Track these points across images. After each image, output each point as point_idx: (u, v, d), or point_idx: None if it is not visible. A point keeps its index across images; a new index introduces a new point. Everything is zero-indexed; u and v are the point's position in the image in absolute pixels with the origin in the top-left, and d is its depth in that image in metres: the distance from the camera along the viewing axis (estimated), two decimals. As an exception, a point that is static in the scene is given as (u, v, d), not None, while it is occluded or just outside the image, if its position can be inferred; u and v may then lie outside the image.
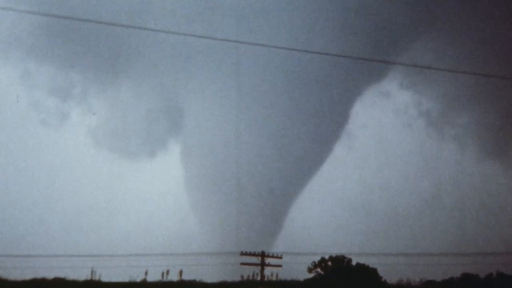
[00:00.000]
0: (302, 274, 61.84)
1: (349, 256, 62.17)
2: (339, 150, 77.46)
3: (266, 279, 57.67)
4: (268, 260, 56.82)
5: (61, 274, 62.22)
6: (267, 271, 57.54)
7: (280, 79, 73.44)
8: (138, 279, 62.49)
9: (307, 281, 61.61)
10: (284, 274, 60.86)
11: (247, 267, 57.08)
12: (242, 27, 71.37)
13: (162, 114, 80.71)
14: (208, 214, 70.62)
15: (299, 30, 72.17)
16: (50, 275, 62.21)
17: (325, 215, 76.79)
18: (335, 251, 62.29)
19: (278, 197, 71.55)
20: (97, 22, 58.64)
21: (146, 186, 78.92)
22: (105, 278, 62.23)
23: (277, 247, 66.31)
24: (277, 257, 56.99)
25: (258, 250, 56.80)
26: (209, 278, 62.74)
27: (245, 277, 60.49)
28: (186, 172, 74.22)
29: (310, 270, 61.81)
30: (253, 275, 58.86)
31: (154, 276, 62.24)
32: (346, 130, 78.11)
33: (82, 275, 61.97)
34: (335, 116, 75.33)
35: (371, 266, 61.12)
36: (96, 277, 62.08)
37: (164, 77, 78.25)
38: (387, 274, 61.66)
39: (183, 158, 75.80)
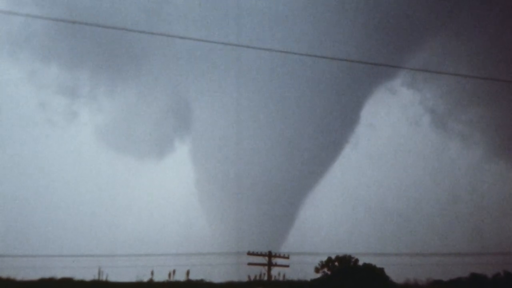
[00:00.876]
0: (310, 274, 61.92)
1: (356, 256, 62.16)
2: (347, 151, 77.40)
3: (273, 279, 57.62)
4: (275, 260, 56.70)
5: (68, 274, 62.43)
6: (274, 271, 57.54)
7: (289, 80, 73.46)
8: (145, 279, 62.56)
9: (314, 281, 61.57)
10: (292, 274, 60.91)
11: (254, 267, 57.03)
12: (254, 31, 71.51)
13: (171, 114, 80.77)
14: (216, 214, 70.64)
15: (311, 34, 72.12)
16: (57, 275, 62.46)
17: (332, 216, 76.73)
18: (342, 251, 62.33)
19: (287, 198, 71.49)
20: (105, 27, 58.77)
21: (154, 186, 79.08)
22: (112, 278, 62.37)
23: (286, 247, 66.34)
24: (284, 257, 56.89)
25: (267, 250, 56.72)
26: (216, 278, 62.83)
27: (252, 277, 60.48)
28: (196, 172, 74.32)
29: (317, 270, 61.82)
30: (260, 275, 58.85)
31: (161, 276, 62.36)
32: (355, 131, 77.98)
33: (89, 275, 62.15)
34: (345, 117, 75.31)
35: (378, 266, 61.05)
36: (103, 277, 62.19)
37: (173, 78, 78.34)
38: (394, 274, 61.62)
39: (192, 158, 75.88)
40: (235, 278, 62.28)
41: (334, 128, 74.64)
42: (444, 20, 79.28)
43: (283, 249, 60.31)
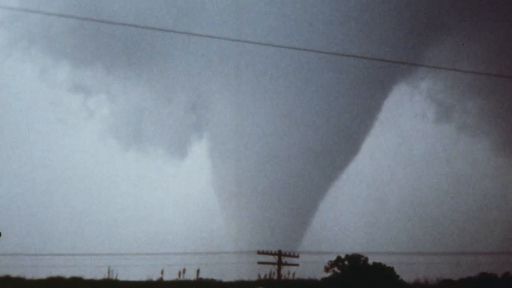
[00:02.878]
0: (320, 273, 61.92)
1: (366, 255, 62.11)
2: (362, 151, 77.08)
3: (283, 278, 57.61)
4: (285, 259, 56.62)
5: (78, 273, 62.52)
6: (284, 270, 57.50)
7: (306, 77, 73.27)
8: (155, 278, 62.68)
9: (324, 280, 61.62)
10: (302, 273, 60.93)
11: (264, 266, 57.02)
12: (275, 29, 71.36)
13: (188, 113, 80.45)
14: (231, 214, 70.49)
15: (332, 34, 71.93)
16: (67, 274, 62.58)
17: (344, 216, 76.68)
18: (352, 250, 62.34)
19: (303, 198, 71.29)
20: (121, 25, 58.75)
21: (167, 186, 79.12)
22: (122, 277, 62.50)
23: (302, 246, 66.41)
24: (293, 256, 56.82)
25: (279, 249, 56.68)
26: (226, 277, 62.90)
27: (262, 276, 60.51)
28: (212, 172, 74.19)
29: (327, 269, 61.80)
30: (270, 274, 58.85)
31: (171, 275, 62.44)
32: (371, 131, 77.67)
33: (99, 274, 62.27)
34: (361, 117, 75.03)
35: (388, 265, 61.02)
36: (113, 276, 62.29)
37: (190, 76, 77.98)
38: (404, 273, 61.58)
39: (209, 157, 75.73)
40: (245, 277, 62.38)
41: (350, 128, 74.36)
42: (458, 19, 78.99)
43: (300, 249, 60.44)
